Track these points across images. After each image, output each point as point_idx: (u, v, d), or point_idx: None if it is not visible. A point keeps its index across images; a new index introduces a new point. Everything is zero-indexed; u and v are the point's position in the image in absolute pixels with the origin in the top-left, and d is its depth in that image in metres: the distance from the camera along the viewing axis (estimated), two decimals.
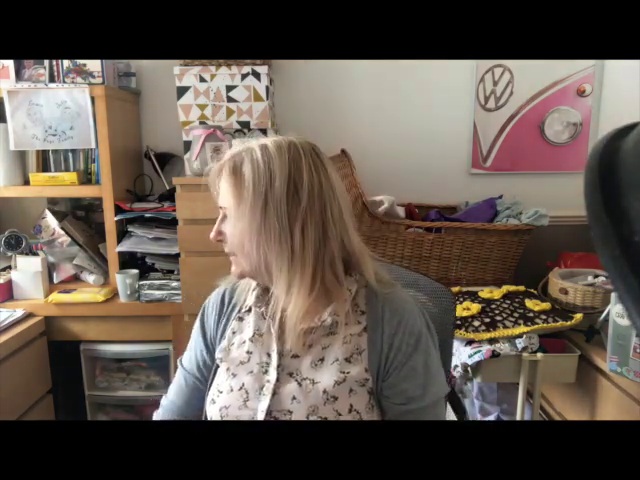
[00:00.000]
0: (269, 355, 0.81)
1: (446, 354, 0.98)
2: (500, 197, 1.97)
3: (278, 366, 0.79)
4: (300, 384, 0.77)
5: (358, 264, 0.82)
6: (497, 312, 1.47)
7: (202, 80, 1.78)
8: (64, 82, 1.74)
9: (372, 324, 0.79)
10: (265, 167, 0.75)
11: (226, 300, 0.90)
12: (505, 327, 1.40)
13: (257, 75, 1.77)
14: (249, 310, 0.87)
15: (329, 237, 0.76)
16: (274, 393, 0.77)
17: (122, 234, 1.82)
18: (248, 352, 0.83)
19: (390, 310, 0.79)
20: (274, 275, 0.77)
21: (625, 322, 1.21)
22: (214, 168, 0.83)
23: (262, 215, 0.74)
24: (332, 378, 0.76)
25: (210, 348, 0.89)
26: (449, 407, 1.14)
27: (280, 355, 0.80)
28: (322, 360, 0.79)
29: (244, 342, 0.84)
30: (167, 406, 0.92)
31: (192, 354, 0.92)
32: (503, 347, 1.37)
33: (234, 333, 0.86)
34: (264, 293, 0.85)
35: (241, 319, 0.87)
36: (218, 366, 0.86)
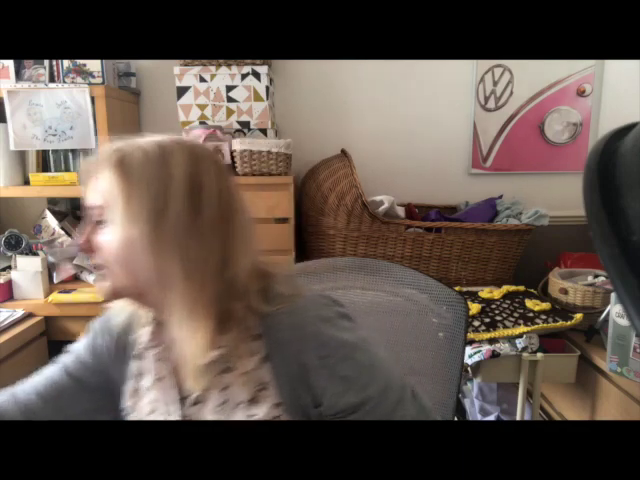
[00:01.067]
0: (172, 404, 0.70)
1: (456, 363, 0.95)
2: (500, 197, 1.97)
3: (181, 416, 0.69)
4: None
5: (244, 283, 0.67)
6: (497, 312, 1.47)
7: (202, 80, 1.78)
8: (64, 82, 1.74)
9: (272, 349, 0.65)
10: (162, 163, 0.62)
11: (119, 332, 0.76)
12: (505, 327, 1.40)
13: (257, 75, 1.77)
14: (146, 347, 0.74)
15: (235, 252, 0.64)
16: None
17: None
18: (152, 402, 0.71)
19: (289, 326, 0.65)
20: (164, 297, 0.62)
21: (625, 322, 1.21)
22: (92, 159, 0.65)
23: (157, 220, 0.61)
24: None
25: (106, 377, 0.76)
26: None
27: (182, 403, 0.69)
28: (226, 403, 0.66)
29: (148, 388, 0.72)
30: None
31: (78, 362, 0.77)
32: (503, 347, 1.37)
33: (137, 376, 0.74)
34: (159, 327, 0.73)
35: (140, 357, 0.74)
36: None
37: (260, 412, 0.65)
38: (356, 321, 0.71)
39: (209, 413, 0.67)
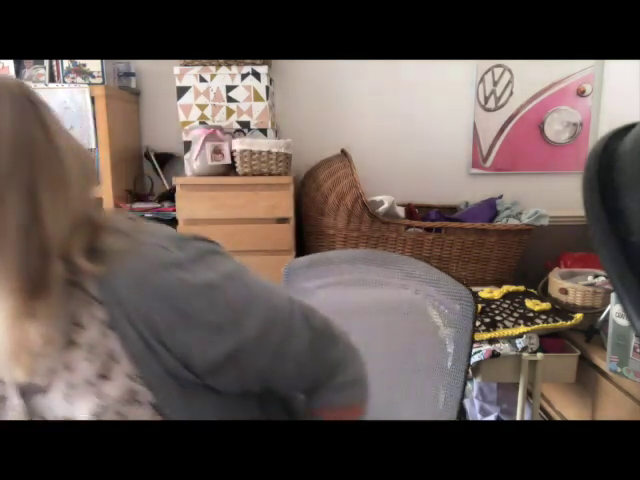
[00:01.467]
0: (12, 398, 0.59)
1: (463, 359, 0.95)
2: (500, 197, 1.97)
3: (27, 411, 0.59)
4: None
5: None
6: (497, 312, 1.47)
7: (202, 80, 1.78)
8: (64, 82, 1.74)
9: (115, 314, 0.55)
10: None
11: None
12: (505, 327, 1.40)
13: (257, 75, 1.77)
14: None
15: (45, 205, 0.53)
16: None
17: None
18: None
19: (128, 284, 0.55)
20: None
21: (625, 322, 1.21)
22: None
23: None
24: (87, 411, 0.56)
25: None
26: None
27: (23, 394, 0.58)
28: (73, 384, 0.56)
29: None
30: None
31: None
32: (503, 347, 1.37)
33: None
34: None
35: None
36: None
37: (114, 389, 0.56)
38: (223, 254, 0.63)
39: (58, 399, 0.57)
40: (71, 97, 1.70)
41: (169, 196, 1.83)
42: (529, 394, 1.49)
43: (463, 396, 0.96)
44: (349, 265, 1.07)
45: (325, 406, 0.69)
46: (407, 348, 1.03)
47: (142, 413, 0.57)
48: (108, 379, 0.56)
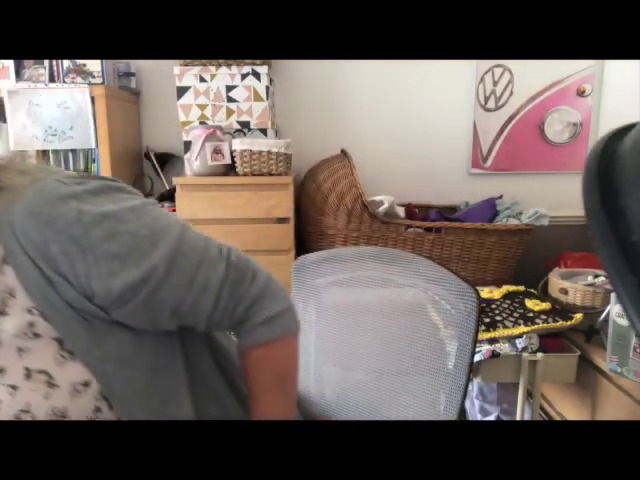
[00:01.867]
0: None
1: (465, 358, 0.94)
2: (500, 197, 1.97)
3: None
4: None
5: None
6: (497, 312, 1.47)
7: (202, 80, 1.78)
8: (64, 82, 1.74)
9: (9, 247, 0.55)
10: None
11: None
12: (505, 327, 1.40)
13: (257, 75, 1.77)
14: None
15: None
16: None
17: None
18: None
19: (23, 216, 0.55)
20: None
21: (625, 322, 1.21)
22: None
23: None
24: None
25: None
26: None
27: None
28: None
29: None
30: None
31: None
32: (503, 347, 1.37)
33: None
34: None
35: None
36: None
37: (8, 323, 0.55)
38: (130, 192, 0.62)
39: None
40: (71, 97, 1.70)
41: (169, 196, 1.83)
42: (529, 394, 1.49)
43: (465, 396, 0.95)
44: (359, 262, 1.07)
45: (256, 343, 0.69)
46: (410, 348, 1.03)
47: (44, 347, 0.56)
48: (5, 314, 0.55)
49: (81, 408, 0.58)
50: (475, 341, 0.94)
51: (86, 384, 0.58)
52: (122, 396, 0.60)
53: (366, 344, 1.06)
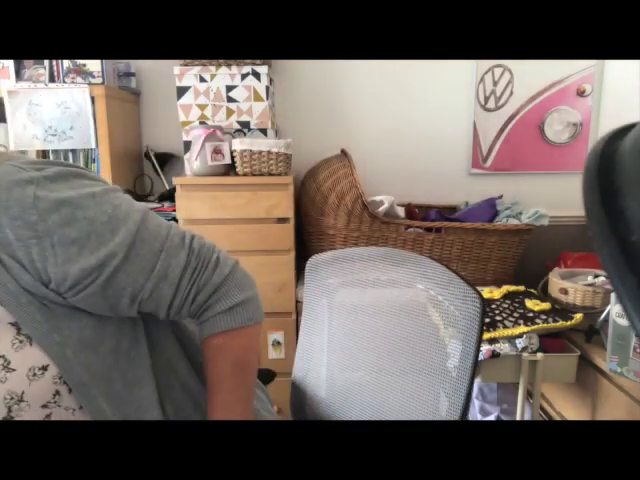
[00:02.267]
0: None
1: (468, 366, 0.94)
2: (500, 197, 1.97)
3: None
4: None
5: None
6: (497, 312, 1.47)
7: (202, 80, 1.78)
8: (64, 82, 1.74)
9: None
10: None
11: None
12: (505, 327, 1.40)
13: (257, 75, 1.77)
14: None
15: None
16: None
17: None
18: None
19: None
20: None
21: (625, 322, 1.21)
22: None
23: None
24: None
25: None
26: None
27: None
28: None
29: None
30: None
31: None
32: (503, 347, 1.37)
33: None
34: None
35: None
36: None
37: None
38: (91, 178, 0.62)
39: None
40: (71, 97, 1.70)
41: (169, 196, 1.83)
42: (529, 394, 1.49)
43: (469, 400, 0.96)
44: (368, 263, 1.08)
45: (216, 331, 0.69)
46: (415, 349, 1.03)
47: (1, 333, 0.56)
48: None
49: (39, 392, 0.59)
50: (479, 345, 0.94)
51: (44, 368, 0.58)
52: (82, 380, 0.60)
53: (372, 344, 1.07)
